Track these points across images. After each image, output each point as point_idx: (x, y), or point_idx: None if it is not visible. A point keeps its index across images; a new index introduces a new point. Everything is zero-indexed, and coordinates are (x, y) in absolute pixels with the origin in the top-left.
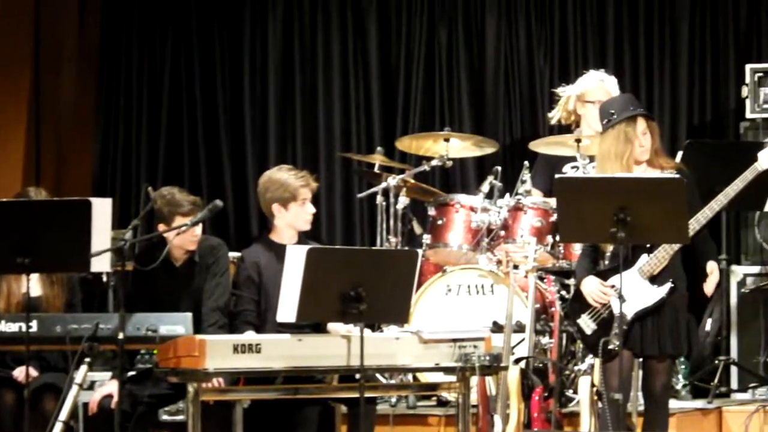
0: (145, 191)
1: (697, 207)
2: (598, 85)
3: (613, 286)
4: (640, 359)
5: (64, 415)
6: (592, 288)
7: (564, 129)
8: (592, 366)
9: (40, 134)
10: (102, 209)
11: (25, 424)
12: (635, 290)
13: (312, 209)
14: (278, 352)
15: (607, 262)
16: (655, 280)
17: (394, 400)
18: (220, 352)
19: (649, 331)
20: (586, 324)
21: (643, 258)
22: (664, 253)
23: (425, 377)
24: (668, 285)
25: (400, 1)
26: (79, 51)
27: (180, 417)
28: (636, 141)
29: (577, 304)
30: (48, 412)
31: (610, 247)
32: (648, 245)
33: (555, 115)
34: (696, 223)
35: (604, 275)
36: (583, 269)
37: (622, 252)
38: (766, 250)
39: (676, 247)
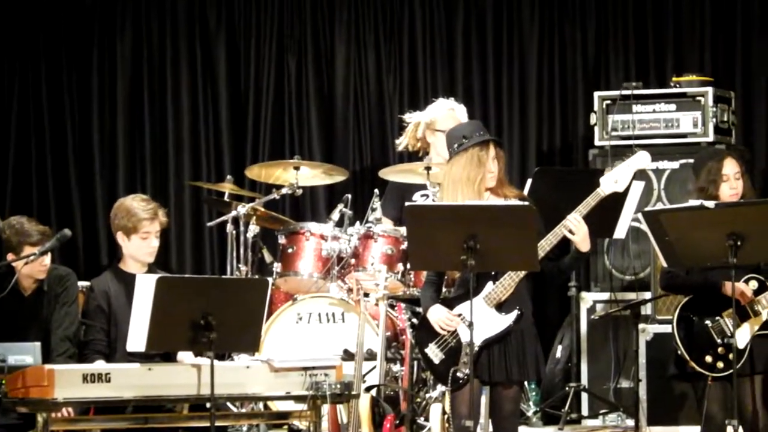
0: None
1: (543, 234)
2: (448, 114)
3: (460, 315)
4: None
5: None
6: (439, 316)
7: (414, 157)
8: (443, 393)
9: None
10: None
11: None
12: (482, 318)
13: (155, 243)
14: (128, 381)
15: (453, 290)
16: (501, 307)
17: (245, 429)
18: (70, 382)
19: (497, 358)
20: (434, 353)
21: (489, 286)
22: (510, 280)
23: (276, 406)
24: (515, 312)
25: (249, 28)
26: None
27: None
28: (487, 166)
29: (424, 333)
30: None
31: (457, 275)
32: (493, 273)
33: (402, 142)
34: (540, 249)
35: (450, 303)
36: (429, 298)
37: (472, 280)
38: (615, 276)
39: (522, 274)
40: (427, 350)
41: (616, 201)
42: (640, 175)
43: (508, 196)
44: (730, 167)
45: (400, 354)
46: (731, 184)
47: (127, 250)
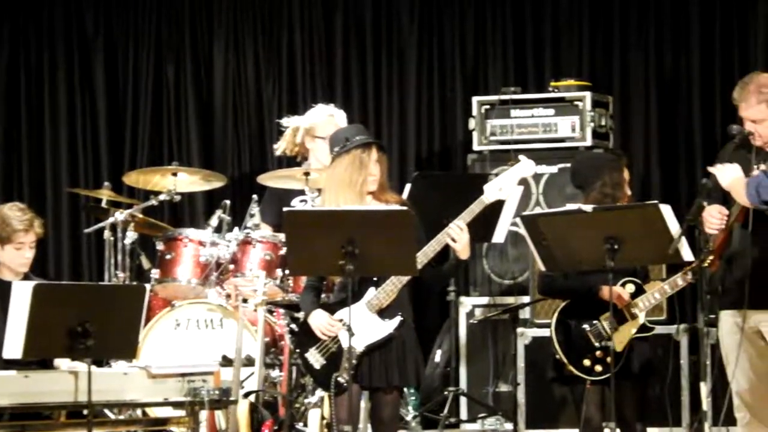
0: None
1: (423, 240)
2: (327, 120)
3: (341, 320)
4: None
5: None
6: (320, 322)
7: (293, 162)
8: (322, 399)
9: None
10: None
11: None
12: (364, 324)
13: (29, 255)
14: (4, 388)
15: (334, 295)
16: (383, 313)
17: None
18: None
19: (377, 363)
20: (315, 358)
21: (371, 291)
22: (392, 286)
23: (154, 412)
24: (398, 318)
25: (127, 34)
26: None
27: None
28: (369, 168)
29: (304, 338)
30: None
31: (337, 280)
32: (375, 278)
33: (280, 146)
34: (423, 256)
35: (331, 308)
36: (310, 303)
37: (351, 285)
38: (494, 281)
39: (404, 280)
40: (307, 355)
41: (494, 206)
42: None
43: (389, 201)
44: (626, 173)
45: (279, 359)
46: (626, 189)
47: (1, 258)
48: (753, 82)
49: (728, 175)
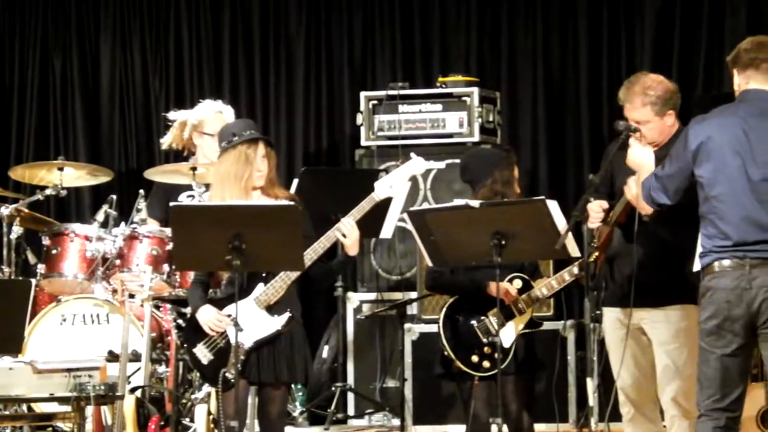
0: None
1: (311, 236)
2: (215, 116)
3: (229, 315)
4: (256, 386)
5: None
6: (208, 317)
7: (180, 157)
8: (208, 394)
9: None
10: None
11: None
12: (252, 320)
13: None
14: None
15: (222, 291)
16: (272, 309)
17: (8, 431)
18: None
19: (266, 359)
20: (203, 353)
21: (260, 287)
22: (281, 282)
23: (40, 407)
24: (286, 315)
25: (13, 27)
26: None
27: None
28: (255, 164)
29: (192, 333)
30: None
31: (225, 275)
32: (264, 274)
33: (167, 140)
34: (313, 252)
35: (219, 304)
36: (198, 298)
37: (238, 280)
38: (382, 276)
39: (294, 276)
40: (195, 350)
41: (383, 201)
42: None
43: (279, 196)
44: (515, 170)
45: (166, 355)
46: (515, 188)
47: None
48: (638, 83)
49: (642, 155)
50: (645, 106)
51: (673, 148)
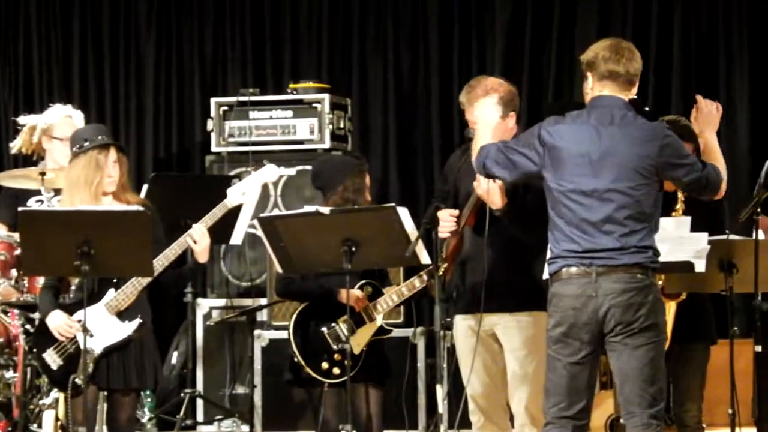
0: None
1: (162, 242)
2: (65, 121)
3: (79, 321)
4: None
5: None
6: (58, 322)
7: (29, 162)
8: (56, 400)
9: None
10: None
11: None
12: (103, 325)
13: None
14: None
15: (71, 296)
16: (122, 315)
17: None
18: None
19: (116, 365)
20: (53, 359)
21: (110, 293)
22: (132, 288)
23: None
24: (137, 321)
25: None
26: None
27: None
28: (106, 169)
29: (42, 339)
30: None
31: (75, 281)
32: (115, 280)
33: (16, 145)
34: (165, 259)
35: (69, 309)
36: (48, 303)
37: (87, 286)
38: (232, 283)
39: (144, 282)
40: (45, 356)
41: (234, 208)
42: None
43: (131, 202)
44: (367, 179)
45: (13, 360)
46: (366, 196)
47: None
48: (480, 85)
49: (487, 114)
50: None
51: (522, 137)
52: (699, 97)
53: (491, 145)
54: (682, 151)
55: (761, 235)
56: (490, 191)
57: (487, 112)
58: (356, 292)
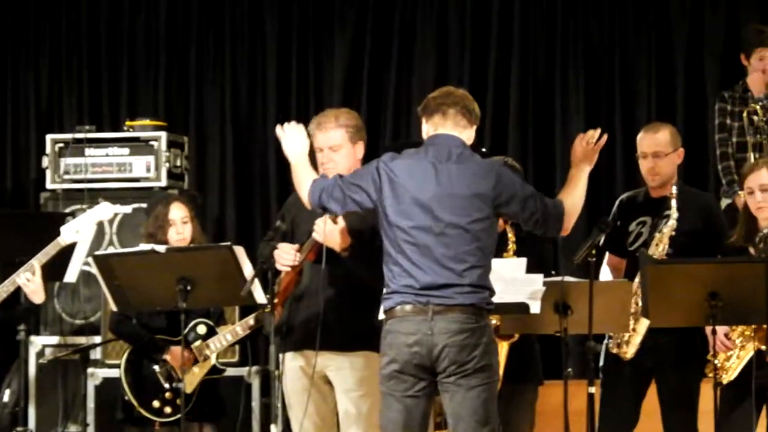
0: None
1: None
2: None
3: None
4: None
5: None
6: None
7: None
8: None
9: None
10: None
11: None
12: None
13: None
14: None
15: None
16: None
17: None
18: None
19: None
20: None
21: None
22: None
23: None
24: None
25: None
26: None
27: None
28: None
29: None
30: None
31: None
32: None
33: None
34: None
35: None
36: None
37: None
38: (65, 320)
39: None
40: None
41: (68, 245)
42: None
43: None
44: (177, 212)
45: None
46: (178, 228)
47: None
48: (331, 112)
49: (295, 145)
50: (339, 128)
51: (359, 172)
52: (580, 135)
53: (327, 179)
54: (517, 186)
55: (608, 274)
56: (329, 236)
57: (298, 143)
58: (180, 354)
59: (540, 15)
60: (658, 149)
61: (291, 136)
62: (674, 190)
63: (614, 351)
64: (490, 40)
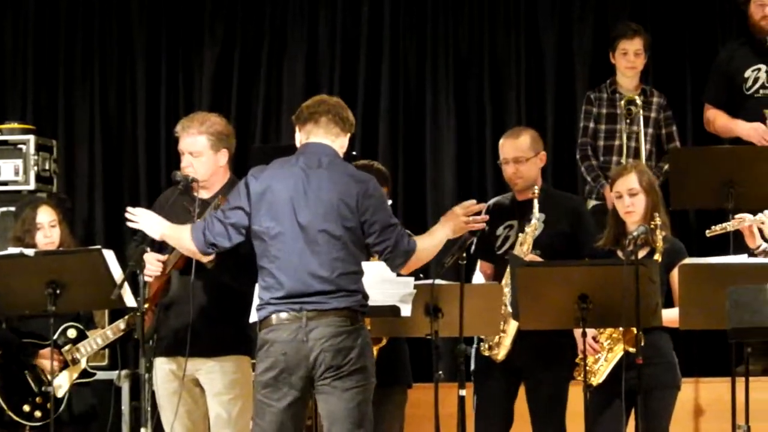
0: None
1: None
2: None
3: None
4: None
5: None
6: None
7: None
8: None
9: None
10: None
11: None
12: None
13: None
14: None
15: None
16: None
17: None
18: None
19: None
20: None
21: None
22: None
23: None
24: None
25: None
26: None
27: None
28: None
29: None
30: None
31: None
32: None
33: None
34: None
35: None
36: None
37: None
38: None
39: None
40: None
41: None
42: None
43: None
44: (45, 215)
45: None
46: (46, 232)
47: None
48: (198, 116)
49: (153, 224)
50: (202, 135)
51: (230, 195)
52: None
53: (203, 222)
54: (383, 210)
55: (480, 278)
56: (183, 249)
57: (154, 222)
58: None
59: (409, 21)
60: (518, 154)
61: (145, 220)
62: (536, 190)
63: (486, 353)
64: (360, 46)
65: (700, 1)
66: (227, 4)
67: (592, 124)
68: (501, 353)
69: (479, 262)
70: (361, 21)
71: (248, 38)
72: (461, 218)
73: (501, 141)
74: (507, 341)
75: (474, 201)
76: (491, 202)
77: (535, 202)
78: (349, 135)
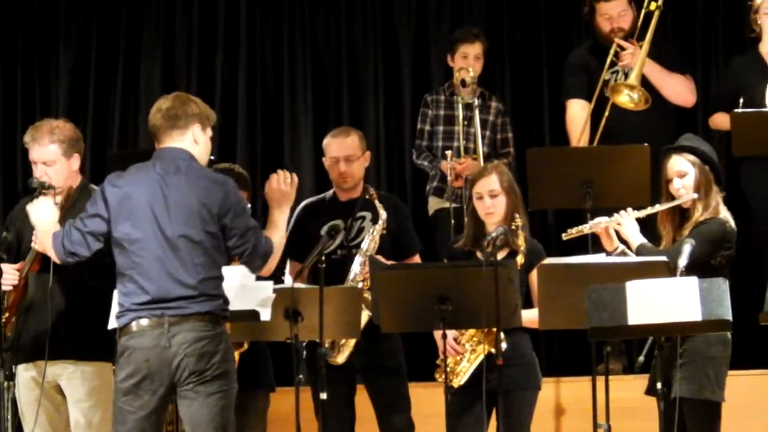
0: None
1: None
2: None
3: None
4: None
5: None
6: None
7: None
8: None
9: None
10: None
11: None
12: None
13: None
14: None
15: None
16: None
17: None
18: None
19: None
20: None
21: None
22: None
23: None
24: None
25: None
26: None
27: None
28: None
29: None
30: None
31: None
32: None
33: None
34: None
35: None
36: None
37: None
38: None
39: None
40: None
41: None
42: None
43: None
44: None
45: None
46: None
47: None
48: (46, 125)
49: (39, 214)
50: (53, 143)
51: (88, 203)
52: (274, 175)
53: (62, 230)
54: (243, 214)
55: (289, 280)
56: (48, 249)
57: (42, 212)
58: None
59: (266, 19)
60: (350, 153)
61: (41, 207)
62: (372, 190)
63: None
64: (217, 44)
65: (556, 3)
66: (83, 5)
67: (428, 127)
68: (343, 356)
69: (289, 262)
70: (218, 18)
71: (104, 40)
72: (279, 189)
73: (327, 140)
74: (351, 343)
75: (282, 171)
76: (307, 202)
77: (377, 202)
78: (208, 125)
